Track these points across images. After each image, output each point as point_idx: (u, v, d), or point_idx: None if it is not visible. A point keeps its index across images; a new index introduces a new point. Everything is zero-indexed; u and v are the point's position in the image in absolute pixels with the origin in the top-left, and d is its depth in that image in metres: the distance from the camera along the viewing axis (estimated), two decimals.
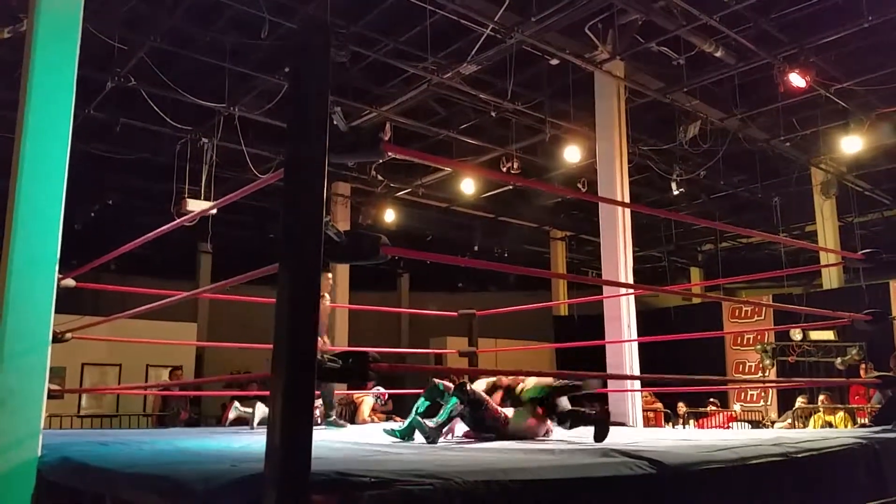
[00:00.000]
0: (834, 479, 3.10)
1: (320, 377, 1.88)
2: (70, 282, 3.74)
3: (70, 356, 9.76)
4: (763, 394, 11.77)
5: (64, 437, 3.99)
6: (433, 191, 12.34)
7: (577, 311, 14.57)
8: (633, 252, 7.78)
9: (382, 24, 7.50)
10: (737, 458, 2.71)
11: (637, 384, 7.28)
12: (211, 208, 6.35)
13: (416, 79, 8.28)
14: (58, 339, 3.42)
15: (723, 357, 12.64)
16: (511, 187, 12.33)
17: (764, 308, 12.17)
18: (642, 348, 7.34)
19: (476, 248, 14.35)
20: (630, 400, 7.02)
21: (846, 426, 8.07)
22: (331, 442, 3.71)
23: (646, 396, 9.42)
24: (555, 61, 7.75)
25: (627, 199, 8.03)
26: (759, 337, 11.65)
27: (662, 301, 15.18)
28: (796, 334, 10.58)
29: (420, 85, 8.27)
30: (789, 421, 9.49)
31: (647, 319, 10.74)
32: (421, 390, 6.03)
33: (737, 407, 11.13)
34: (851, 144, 9.57)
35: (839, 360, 10.13)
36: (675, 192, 10.33)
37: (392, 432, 3.92)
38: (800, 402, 9.84)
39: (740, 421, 10.73)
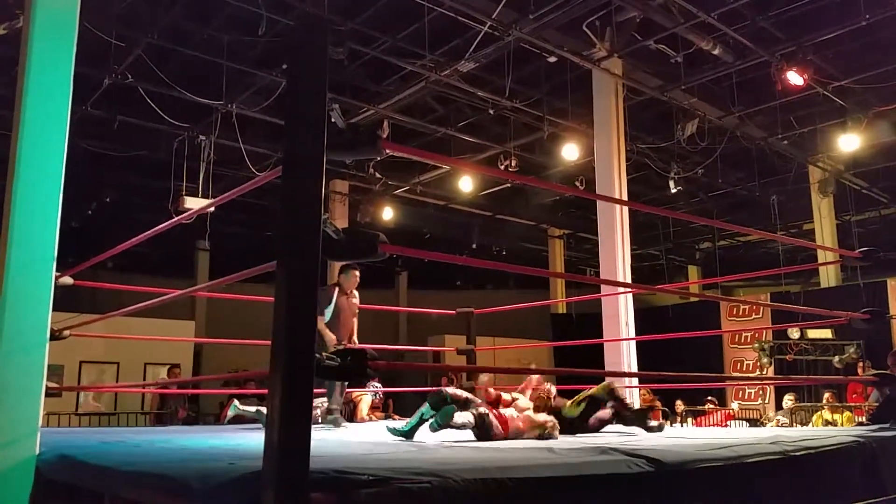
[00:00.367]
0: (831, 477, 3.11)
1: (319, 375, 1.88)
2: (67, 279, 3.73)
3: (68, 354, 9.75)
4: (761, 392, 11.79)
5: (62, 434, 3.99)
6: (431, 188, 12.33)
7: (576, 310, 14.58)
8: (631, 250, 7.79)
9: (380, 21, 7.49)
10: (735, 456, 2.72)
11: (635, 382, 7.29)
12: (209, 206, 6.35)
13: (414, 76, 8.27)
14: (55, 336, 3.41)
15: (720, 355, 12.65)
16: (509, 185, 12.33)
17: (762, 306, 12.18)
18: (640, 346, 7.35)
19: (474, 246, 14.35)
20: (628, 398, 7.02)
21: (852, 426, 8.08)
22: (329, 440, 3.71)
23: (644, 394, 9.42)
24: (553, 59, 7.74)
25: (625, 197, 8.03)
26: (756, 335, 11.67)
27: (660, 299, 15.19)
28: (794, 333, 10.61)
29: (418, 82, 8.27)
30: (779, 419, 9.51)
31: (645, 318, 10.74)
32: (420, 389, 6.05)
33: (734, 405, 11.15)
34: (849, 142, 9.58)
35: (837, 358, 10.16)
36: (673, 190, 10.33)
37: (395, 431, 3.91)
38: (788, 400, 9.86)
39: (738, 419, 10.75)
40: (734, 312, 12.70)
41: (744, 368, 12.36)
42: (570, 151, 9.57)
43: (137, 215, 11.27)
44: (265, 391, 2.10)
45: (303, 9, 6.92)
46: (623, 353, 7.12)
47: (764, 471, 2.76)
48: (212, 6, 7.21)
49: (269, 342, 1.82)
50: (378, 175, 11.11)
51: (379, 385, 6.85)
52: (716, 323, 12.38)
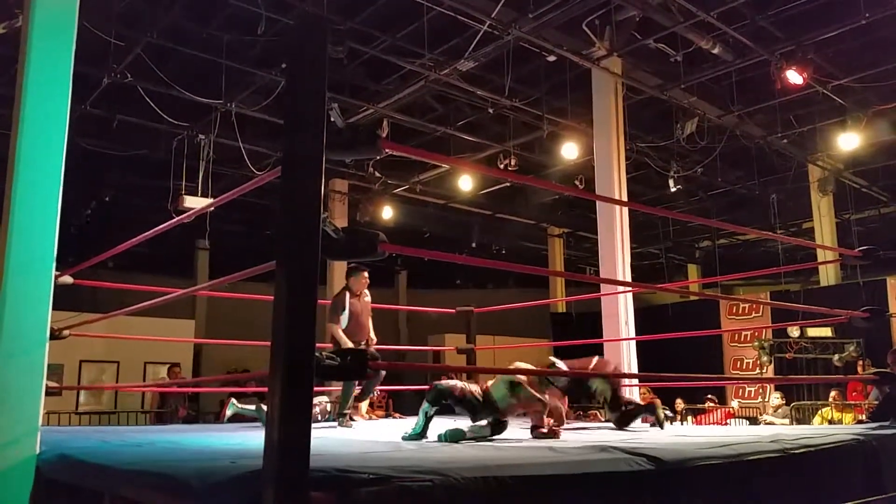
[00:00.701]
0: (831, 475, 3.11)
1: (319, 375, 1.88)
2: (67, 279, 3.74)
3: (68, 353, 9.74)
4: (761, 390, 11.79)
5: (62, 434, 3.99)
6: (431, 188, 12.33)
7: (575, 308, 14.57)
8: (631, 249, 7.78)
9: (379, 20, 7.48)
10: (735, 454, 2.72)
11: (635, 381, 7.29)
12: (209, 205, 6.34)
13: (413, 75, 8.27)
14: (55, 336, 3.42)
15: (720, 354, 12.66)
16: (509, 184, 12.32)
17: (761, 305, 12.19)
18: (640, 345, 7.36)
19: (474, 245, 14.35)
20: (628, 396, 7.03)
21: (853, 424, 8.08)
22: (330, 439, 3.71)
23: (643, 393, 9.42)
24: (552, 58, 7.74)
25: (625, 197, 8.03)
26: (756, 334, 11.67)
27: (660, 298, 15.19)
28: (794, 331, 10.61)
29: (417, 81, 8.26)
30: (764, 418, 9.52)
31: (645, 316, 10.74)
32: (419, 387, 6.05)
33: (734, 403, 11.13)
34: (848, 141, 9.58)
35: (836, 356, 10.16)
36: (673, 189, 10.33)
37: (409, 436, 3.87)
38: (775, 399, 9.87)
39: (738, 417, 10.75)
40: (734, 311, 12.71)
41: (744, 367, 12.37)
42: (569, 150, 9.56)
43: (137, 215, 11.26)
44: (265, 389, 2.10)
45: (302, 8, 6.92)
46: (623, 351, 7.12)
47: (764, 469, 2.76)
48: (211, 5, 7.20)
49: (268, 342, 1.82)
50: (377, 174, 11.11)
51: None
52: (716, 322, 12.38)
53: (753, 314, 12.48)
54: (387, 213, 12.29)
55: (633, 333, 7.27)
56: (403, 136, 9.97)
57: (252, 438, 3.54)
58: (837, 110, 9.30)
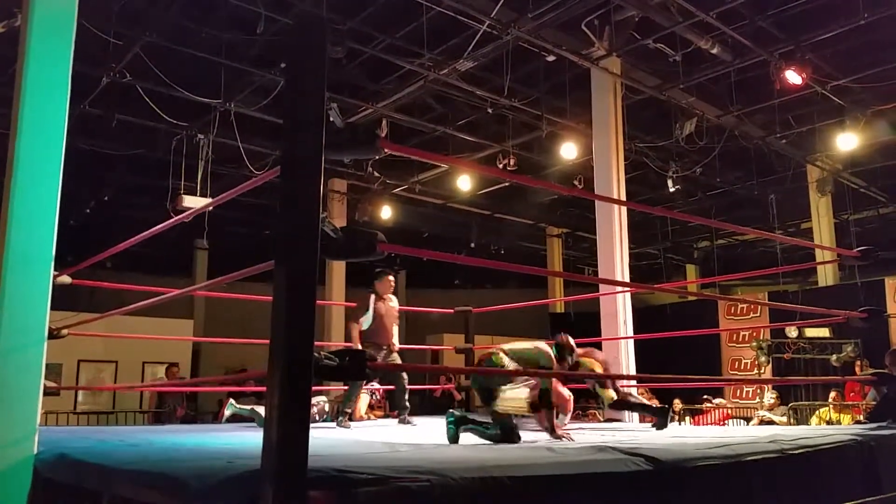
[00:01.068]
0: (829, 476, 3.11)
1: (317, 375, 1.88)
2: (66, 278, 3.73)
3: (66, 353, 9.74)
4: (758, 390, 11.80)
5: (60, 433, 3.99)
6: (429, 187, 12.33)
7: (574, 309, 14.58)
8: (629, 249, 7.79)
9: (379, 20, 7.48)
10: (733, 454, 2.72)
11: (633, 381, 7.30)
12: (207, 205, 6.34)
13: (412, 75, 8.27)
14: (54, 335, 3.42)
15: (718, 354, 12.67)
16: (507, 184, 12.33)
17: (760, 305, 12.20)
18: (638, 345, 7.36)
19: (472, 244, 14.36)
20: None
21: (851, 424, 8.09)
22: (328, 439, 3.71)
23: (642, 393, 9.42)
24: (551, 58, 7.74)
25: (623, 197, 8.03)
26: (754, 334, 11.68)
27: (658, 298, 15.20)
28: (792, 331, 10.62)
29: (416, 81, 8.26)
30: (762, 415, 9.52)
31: (643, 316, 10.75)
32: (418, 387, 6.04)
33: (718, 400, 10.99)
34: (847, 142, 9.58)
35: (834, 357, 10.17)
36: (672, 189, 10.34)
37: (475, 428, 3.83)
38: (770, 398, 9.88)
39: (734, 418, 10.76)
40: (732, 311, 12.72)
41: (742, 367, 12.38)
42: (568, 150, 9.57)
43: (136, 214, 11.26)
44: (264, 388, 2.10)
45: (301, 8, 6.92)
46: (621, 351, 7.13)
47: (762, 469, 2.76)
48: (210, 5, 7.20)
49: (267, 341, 1.82)
50: (376, 174, 11.11)
51: (377, 385, 6.86)
52: (714, 322, 12.39)
53: (751, 314, 12.49)
54: (385, 212, 12.29)
55: (631, 333, 7.28)
56: (402, 135, 9.97)
57: (250, 438, 3.54)
58: (836, 111, 9.31)
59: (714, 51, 7.55)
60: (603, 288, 7.45)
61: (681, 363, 10.27)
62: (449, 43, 7.71)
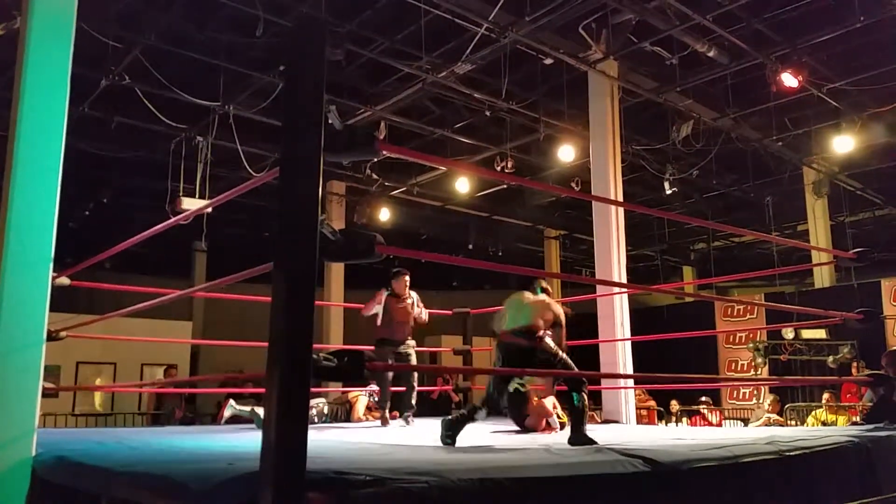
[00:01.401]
0: (826, 477, 3.12)
1: (315, 376, 1.89)
2: (64, 280, 3.74)
3: (65, 355, 9.72)
4: (755, 392, 11.82)
5: (59, 435, 3.99)
6: (428, 189, 12.34)
7: (571, 310, 14.56)
8: (627, 251, 7.80)
9: (377, 23, 7.49)
10: (730, 456, 2.73)
11: (630, 382, 7.31)
12: (206, 207, 6.33)
13: (410, 78, 8.28)
14: (52, 337, 3.42)
15: (715, 356, 12.69)
16: (505, 186, 12.34)
17: (756, 307, 12.23)
18: (635, 346, 7.37)
19: (470, 246, 14.36)
20: (623, 398, 7.05)
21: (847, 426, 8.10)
22: (327, 440, 3.72)
23: (639, 394, 9.44)
24: (549, 61, 7.76)
25: (621, 199, 8.05)
26: (751, 335, 11.70)
27: (655, 300, 15.23)
28: (788, 333, 10.63)
29: (415, 84, 8.27)
30: (769, 417, 9.53)
31: (641, 318, 10.76)
32: (417, 388, 6.08)
33: (703, 398, 10.96)
34: (843, 144, 9.61)
35: (831, 358, 10.19)
36: (668, 192, 10.36)
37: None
38: (768, 402, 9.91)
39: (730, 419, 10.78)
40: (729, 313, 12.74)
41: (738, 368, 12.40)
42: (565, 153, 9.59)
43: (135, 216, 11.25)
44: (262, 390, 2.11)
45: (300, 10, 6.93)
46: (618, 353, 7.13)
47: (759, 471, 2.77)
48: (209, 8, 7.20)
49: (266, 343, 1.83)
50: (375, 176, 11.12)
51: (376, 386, 6.87)
52: (710, 323, 12.41)
53: (748, 316, 12.52)
54: (384, 214, 12.30)
55: (628, 335, 7.29)
56: (401, 138, 9.98)
57: (249, 440, 3.54)
58: (832, 113, 9.34)
59: (710, 54, 7.57)
60: (600, 289, 7.45)
61: (678, 364, 10.31)
62: (447, 46, 7.72)
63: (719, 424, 10.20)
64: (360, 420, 6.53)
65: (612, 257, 7.43)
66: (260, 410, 4.98)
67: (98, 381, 10.63)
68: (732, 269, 13.84)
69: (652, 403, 10.20)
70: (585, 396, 3.86)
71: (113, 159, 9.93)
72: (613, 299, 7.20)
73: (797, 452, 2.99)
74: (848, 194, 12.03)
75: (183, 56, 7.70)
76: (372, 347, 5.82)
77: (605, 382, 7.26)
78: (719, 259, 15.13)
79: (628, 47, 7.72)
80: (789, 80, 7.55)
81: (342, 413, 6.60)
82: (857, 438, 3.39)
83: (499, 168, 9.67)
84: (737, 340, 12.40)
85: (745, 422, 10.17)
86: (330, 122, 8.13)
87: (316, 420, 6.07)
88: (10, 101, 3.18)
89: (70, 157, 3.27)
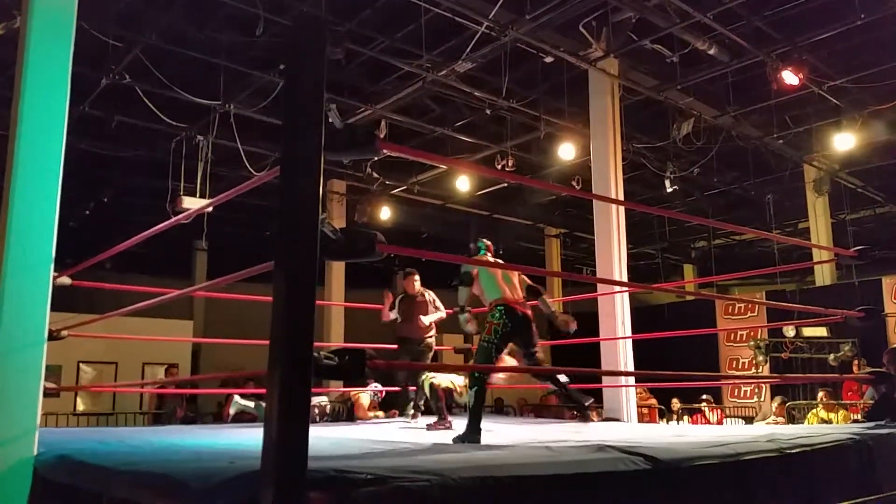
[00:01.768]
0: (827, 475, 3.12)
1: (317, 375, 1.89)
2: (65, 279, 3.74)
3: (66, 354, 9.73)
4: (756, 390, 11.82)
5: (60, 435, 3.99)
6: (428, 188, 12.34)
7: (572, 308, 14.55)
8: (627, 249, 7.80)
9: (378, 21, 7.49)
10: (731, 454, 2.73)
11: (631, 380, 7.31)
12: (207, 206, 6.33)
13: (411, 76, 8.28)
14: (53, 336, 3.42)
15: (716, 354, 12.69)
16: (506, 185, 12.34)
17: (757, 305, 12.22)
18: (636, 345, 7.37)
19: (471, 245, 14.34)
20: (624, 396, 7.05)
21: (848, 423, 8.10)
22: (328, 438, 3.72)
23: (640, 392, 9.44)
24: (549, 59, 7.75)
25: (621, 197, 8.04)
26: (752, 333, 11.70)
27: (656, 298, 15.21)
28: (789, 331, 10.63)
29: (415, 82, 8.27)
30: (769, 421, 9.54)
31: (642, 316, 10.75)
32: (416, 388, 6.11)
33: (704, 395, 10.99)
34: (844, 142, 9.61)
35: (832, 356, 10.18)
36: (669, 190, 10.36)
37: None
38: (775, 405, 9.93)
39: (731, 417, 10.78)
40: (730, 311, 12.74)
41: (739, 366, 12.40)
42: (566, 151, 9.58)
43: (135, 215, 11.24)
44: (263, 391, 2.11)
45: (301, 9, 6.93)
46: (619, 351, 7.13)
47: (760, 468, 2.77)
48: (209, 7, 7.20)
49: (267, 342, 1.83)
50: (375, 175, 11.12)
51: (379, 385, 6.90)
52: (711, 321, 12.40)
53: (749, 314, 12.52)
54: (385, 213, 12.30)
55: (629, 333, 7.29)
56: (401, 136, 9.98)
57: (250, 438, 3.55)
58: (833, 111, 9.33)
59: (711, 52, 7.56)
60: (601, 288, 7.45)
61: (679, 363, 10.29)
62: (447, 44, 7.72)
63: (720, 422, 10.21)
64: (363, 418, 6.54)
65: (613, 255, 7.43)
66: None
67: (89, 373, 10.63)
68: (733, 267, 13.81)
69: (653, 401, 10.21)
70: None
71: (113, 159, 9.93)
72: (614, 298, 7.20)
73: (798, 450, 2.99)
74: (849, 192, 12.02)
75: (183, 55, 7.71)
76: (371, 346, 5.84)
77: (606, 380, 7.26)
78: (720, 257, 15.12)
79: (629, 45, 7.71)
80: (790, 77, 7.54)
81: (344, 411, 6.61)
82: (857, 436, 3.39)
83: (499, 166, 9.66)
84: (738, 338, 12.40)
85: (747, 419, 10.17)
86: (330, 120, 8.12)
87: (318, 418, 6.07)
88: (10, 100, 3.18)
89: (70, 156, 3.27)
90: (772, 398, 10.72)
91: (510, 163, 9.71)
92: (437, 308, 6.39)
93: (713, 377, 11.77)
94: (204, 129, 9.09)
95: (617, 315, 7.21)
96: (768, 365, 10.91)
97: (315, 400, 6.20)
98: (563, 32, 7.54)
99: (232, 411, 5.66)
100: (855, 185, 11.88)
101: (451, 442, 3.80)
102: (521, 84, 8.73)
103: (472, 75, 8.22)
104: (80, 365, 10.64)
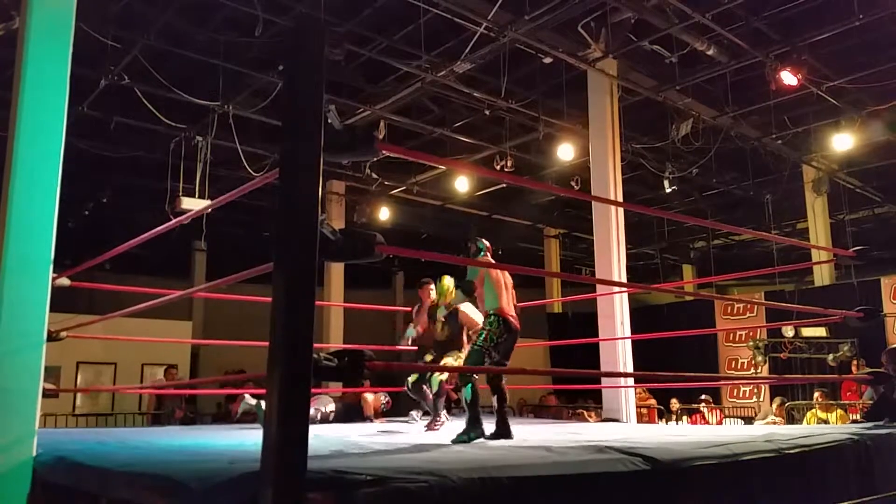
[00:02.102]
0: (826, 475, 3.13)
1: (316, 376, 1.89)
2: (64, 280, 3.74)
3: (65, 355, 9.72)
4: (755, 390, 11.83)
5: (59, 436, 3.99)
6: (427, 189, 12.34)
7: (572, 309, 14.59)
8: (626, 249, 7.80)
9: (376, 22, 7.49)
10: (730, 454, 2.74)
11: (630, 381, 7.31)
12: (206, 207, 6.34)
13: (410, 77, 8.28)
14: (52, 337, 3.42)
15: (715, 354, 12.70)
16: (505, 185, 12.34)
17: (756, 305, 12.23)
18: (636, 345, 7.37)
19: (470, 245, 14.33)
20: (624, 396, 7.06)
21: (846, 423, 8.11)
22: (327, 439, 3.72)
23: (639, 393, 9.45)
24: (548, 60, 7.76)
25: (620, 197, 8.05)
26: (751, 334, 11.71)
27: (655, 298, 15.22)
28: (788, 331, 10.63)
29: (414, 83, 8.27)
30: (774, 420, 9.54)
31: (641, 316, 10.77)
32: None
33: (703, 395, 10.99)
34: (843, 142, 9.62)
35: (831, 356, 10.19)
36: (668, 190, 10.37)
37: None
38: (776, 405, 9.93)
39: (730, 417, 10.78)
40: (729, 311, 12.75)
41: (738, 367, 12.41)
42: (565, 152, 9.59)
43: (134, 216, 11.24)
44: (263, 391, 2.11)
45: (300, 10, 6.93)
46: (619, 351, 7.14)
47: (759, 468, 2.78)
48: (208, 7, 7.20)
49: (266, 343, 1.83)
50: (374, 175, 11.12)
51: (387, 397, 6.98)
52: (710, 321, 12.41)
53: (748, 314, 12.52)
54: (384, 214, 12.30)
55: (628, 333, 7.29)
56: (400, 137, 9.97)
57: (249, 439, 3.55)
58: (831, 111, 9.34)
59: (710, 52, 7.57)
60: (600, 288, 7.46)
61: (678, 363, 10.30)
62: (446, 45, 7.72)
63: (719, 423, 10.21)
64: (367, 420, 6.55)
65: (612, 256, 7.43)
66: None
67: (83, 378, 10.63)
68: (732, 267, 13.83)
69: (652, 402, 10.21)
70: None
71: (112, 159, 9.91)
72: (613, 298, 7.21)
73: (796, 450, 3.00)
74: (847, 192, 12.03)
75: (182, 56, 7.70)
76: (371, 347, 5.83)
77: (605, 381, 7.26)
78: (719, 257, 15.13)
79: (627, 46, 7.72)
80: (788, 78, 7.55)
81: (348, 412, 6.61)
82: (856, 437, 3.40)
83: (498, 167, 9.66)
84: (737, 339, 12.41)
85: (746, 420, 10.17)
86: (329, 121, 8.12)
87: (319, 419, 6.07)
88: (9, 100, 3.18)
89: (70, 157, 3.27)
90: (771, 398, 10.73)
91: (509, 163, 9.71)
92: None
93: (712, 377, 11.77)
94: (203, 130, 9.08)
95: (616, 315, 7.22)
96: (767, 365, 10.92)
97: (328, 408, 6.25)
98: (562, 33, 7.55)
99: (240, 409, 5.65)
100: (853, 186, 11.89)
101: (449, 442, 3.79)
102: (520, 85, 8.73)
103: (470, 76, 8.22)
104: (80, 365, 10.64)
